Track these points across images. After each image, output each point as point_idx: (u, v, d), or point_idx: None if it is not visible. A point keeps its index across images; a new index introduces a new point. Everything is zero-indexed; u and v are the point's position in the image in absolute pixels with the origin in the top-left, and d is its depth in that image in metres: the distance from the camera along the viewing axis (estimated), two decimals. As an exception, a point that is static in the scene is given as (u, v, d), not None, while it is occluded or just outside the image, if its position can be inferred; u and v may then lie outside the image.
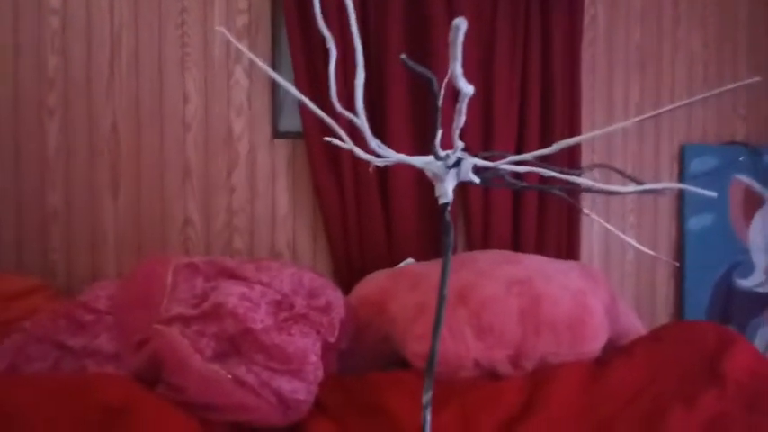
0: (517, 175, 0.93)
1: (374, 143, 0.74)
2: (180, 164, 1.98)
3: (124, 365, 1.39)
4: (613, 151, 2.25)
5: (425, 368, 0.81)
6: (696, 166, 2.32)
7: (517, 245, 2.09)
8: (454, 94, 0.66)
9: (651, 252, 0.84)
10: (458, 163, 0.77)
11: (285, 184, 2.04)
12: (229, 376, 1.28)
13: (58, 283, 1.92)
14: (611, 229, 0.85)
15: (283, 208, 2.04)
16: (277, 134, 2.04)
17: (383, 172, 2.00)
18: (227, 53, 1.98)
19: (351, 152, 1.94)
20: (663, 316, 2.32)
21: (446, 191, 0.79)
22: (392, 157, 0.78)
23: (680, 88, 2.31)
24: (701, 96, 0.65)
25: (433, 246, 2.08)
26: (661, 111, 0.62)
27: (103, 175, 1.95)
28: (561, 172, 0.84)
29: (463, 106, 0.64)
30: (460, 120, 0.65)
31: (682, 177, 2.31)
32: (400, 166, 1.98)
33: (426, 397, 0.81)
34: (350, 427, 1.35)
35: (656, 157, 2.30)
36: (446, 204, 0.81)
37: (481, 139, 2.06)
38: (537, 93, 2.08)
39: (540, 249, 2.07)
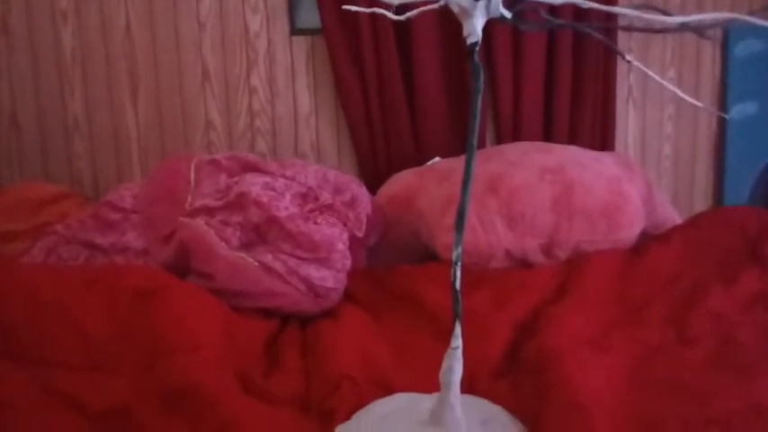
0: (551, 12, 0.85)
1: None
2: (197, 65, 1.92)
3: (153, 260, 1.39)
4: (651, 39, 2.11)
5: (455, 222, 0.77)
6: (741, 50, 2.18)
7: (549, 137, 2.01)
8: None
9: (696, 101, 0.77)
10: (486, -6, 0.70)
11: (306, 82, 1.97)
12: (256, 263, 1.27)
13: (85, 190, 1.92)
14: (651, 74, 0.77)
15: (305, 107, 1.99)
16: (295, 30, 1.96)
17: (407, 65, 1.91)
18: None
19: (372, 45, 1.86)
20: (701, 210, 2.24)
21: (475, 28, 0.73)
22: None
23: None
24: None
25: (461, 143, 2.01)
26: None
27: (122, 79, 1.91)
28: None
29: None
30: None
31: (725, 61, 2.17)
32: (425, 55, 1.88)
33: (456, 252, 0.77)
34: (381, 312, 1.35)
35: (697, 42, 2.15)
36: (475, 44, 0.74)
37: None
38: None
39: (572, 142, 1.99)
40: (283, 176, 1.50)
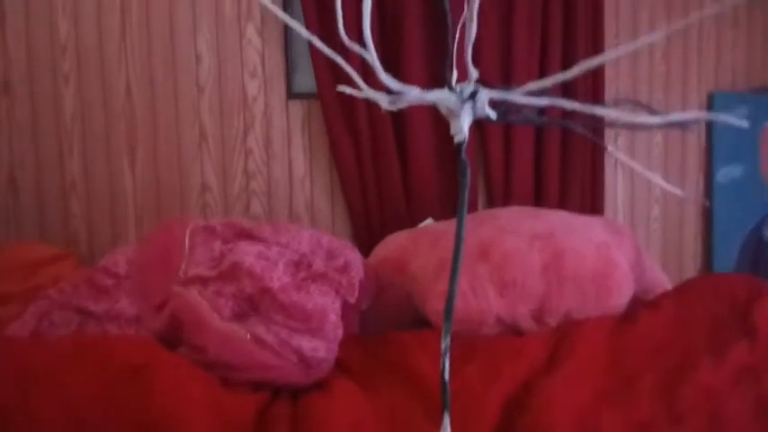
0: (538, 111, 0.88)
1: (384, 76, 0.70)
2: (195, 127, 1.96)
3: (145, 328, 1.39)
4: (639, 99, 2.17)
5: (444, 312, 0.78)
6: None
7: (539, 201, 2.04)
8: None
9: (679, 191, 0.80)
10: (473, 96, 0.73)
11: (301, 145, 2.02)
12: (248, 335, 1.27)
13: (80, 250, 1.93)
14: (636, 166, 0.80)
15: (300, 170, 2.02)
16: (291, 95, 2.01)
17: (400, 129, 1.96)
18: (238, 12, 1.94)
19: (366, 110, 1.91)
20: (690, 272, 2.27)
21: (461, 127, 0.75)
22: (403, 91, 0.74)
23: (708, 32, 2.21)
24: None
25: (453, 206, 2.04)
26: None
27: (120, 140, 1.94)
28: (583, 105, 0.79)
29: (474, 11, 0.60)
30: (472, 29, 0.61)
31: (710, 126, 2.23)
32: (417, 120, 1.94)
33: (444, 342, 0.78)
34: (372, 384, 1.34)
35: (684, 106, 2.22)
36: (461, 143, 0.77)
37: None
38: (558, 41, 2.01)
39: (562, 205, 2.03)
40: (277, 243, 1.51)
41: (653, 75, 2.19)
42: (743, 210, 2.27)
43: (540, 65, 2.02)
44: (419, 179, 2.00)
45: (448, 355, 0.79)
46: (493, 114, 0.77)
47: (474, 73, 0.69)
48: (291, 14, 1.98)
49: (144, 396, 1.06)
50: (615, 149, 0.82)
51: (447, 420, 0.80)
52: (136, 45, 1.92)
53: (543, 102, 0.76)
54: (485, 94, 0.72)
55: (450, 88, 0.70)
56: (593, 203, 2.09)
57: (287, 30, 1.98)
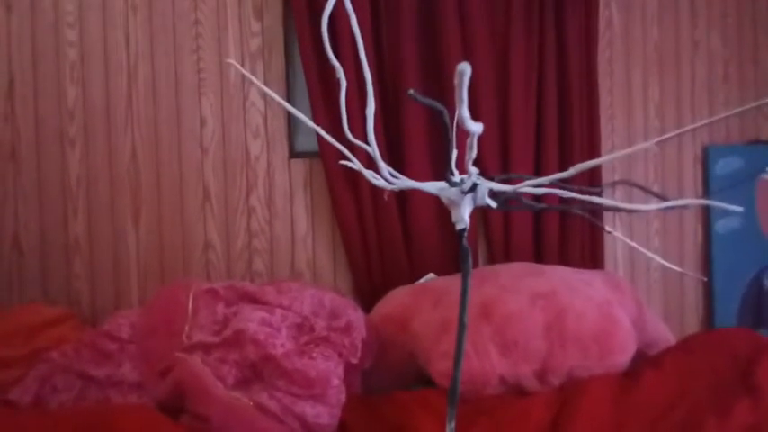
0: (536, 197, 0.91)
1: (386, 171, 0.73)
2: (199, 187, 1.99)
3: (148, 394, 1.39)
4: (635, 156, 2.21)
5: (448, 397, 0.79)
6: (721, 168, 2.27)
7: (540, 256, 2.06)
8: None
9: (677, 268, 0.82)
10: (473, 188, 0.76)
11: (303, 203, 2.04)
12: (251, 404, 1.27)
13: (82, 311, 1.94)
14: (636, 246, 0.82)
15: (302, 227, 2.04)
16: (293, 154, 2.04)
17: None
18: (242, 76, 1.99)
19: (367, 169, 1.94)
20: (692, 323, 2.27)
21: (462, 217, 0.78)
22: (405, 183, 0.76)
23: (700, 88, 2.26)
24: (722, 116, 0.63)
25: (454, 259, 2.06)
26: (683, 130, 0.60)
27: (125, 202, 1.97)
28: (581, 192, 0.82)
29: (474, 142, 0.63)
30: (472, 154, 0.63)
31: (706, 180, 2.26)
32: (419, 168, 1.97)
33: (450, 427, 0.79)
34: (376, 450, 1.34)
35: (679, 160, 2.25)
36: (463, 230, 0.79)
37: (498, 148, 2.04)
38: (554, 101, 2.05)
39: (563, 260, 2.04)
40: (280, 306, 1.52)
41: (648, 129, 2.23)
42: (743, 260, 2.28)
43: (536, 126, 2.06)
44: (420, 233, 2.02)
45: (453, 438, 0.80)
46: (493, 204, 0.79)
47: (474, 170, 0.72)
48: (293, 77, 2.03)
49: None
50: (614, 231, 0.84)
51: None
52: (142, 108, 1.96)
53: (542, 190, 0.79)
54: (485, 187, 0.74)
55: (451, 183, 0.73)
56: (592, 256, 2.10)
57: (289, 91, 2.03)
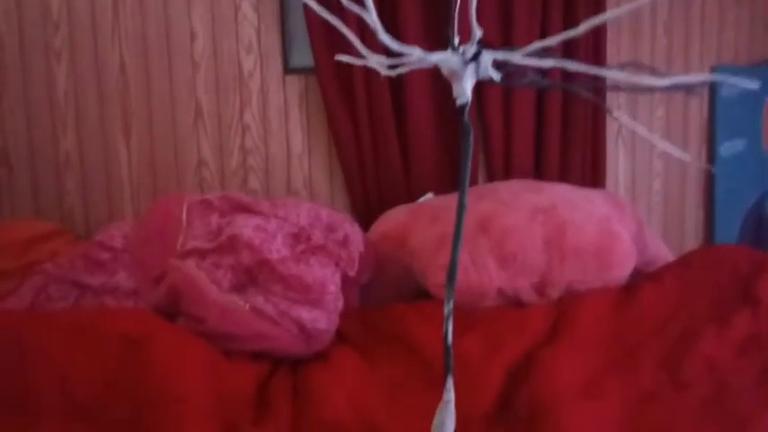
0: (540, 74, 0.86)
1: (385, 36, 0.68)
2: (191, 104, 1.93)
3: (143, 301, 1.38)
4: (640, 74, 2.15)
5: (446, 277, 0.76)
6: (728, 89, 2.21)
7: (540, 174, 2.03)
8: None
9: (684, 155, 0.78)
10: (476, 57, 0.71)
11: (299, 121, 1.99)
12: (247, 306, 1.26)
13: (75, 228, 1.91)
14: (639, 128, 0.78)
15: (298, 146, 2.00)
16: (288, 70, 1.98)
17: (399, 103, 1.93)
18: (232, -15, 1.90)
19: (364, 84, 1.88)
20: (692, 245, 2.25)
21: (464, 90, 0.73)
22: (405, 51, 0.72)
23: (710, 5, 2.18)
24: None
25: (452, 179, 2.02)
26: None
27: (115, 118, 1.91)
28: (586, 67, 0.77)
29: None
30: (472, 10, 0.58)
31: (713, 101, 2.20)
32: (416, 94, 1.91)
33: (447, 307, 0.77)
34: (373, 355, 1.34)
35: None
36: (464, 105, 0.75)
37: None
38: (560, 15, 1.98)
39: (563, 179, 2.01)
40: (275, 216, 1.50)
41: (655, 47, 2.16)
42: (745, 184, 2.26)
43: (540, 29, 1.99)
44: (418, 153, 1.98)
45: (451, 319, 0.78)
46: (496, 76, 0.74)
47: (478, 32, 0.67)
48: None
49: (141, 369, 1.05)
50: (618, 113, 0.80)
51: (450, 383, 0.79)
52: (129, 21, 1.88)
53: (548, 63, 0.74)
54: (488, 56, 0.70)
55: (453, 49, 0.68)
56: (594, 177, 2.07)
57: (283, 4, 1.95)
